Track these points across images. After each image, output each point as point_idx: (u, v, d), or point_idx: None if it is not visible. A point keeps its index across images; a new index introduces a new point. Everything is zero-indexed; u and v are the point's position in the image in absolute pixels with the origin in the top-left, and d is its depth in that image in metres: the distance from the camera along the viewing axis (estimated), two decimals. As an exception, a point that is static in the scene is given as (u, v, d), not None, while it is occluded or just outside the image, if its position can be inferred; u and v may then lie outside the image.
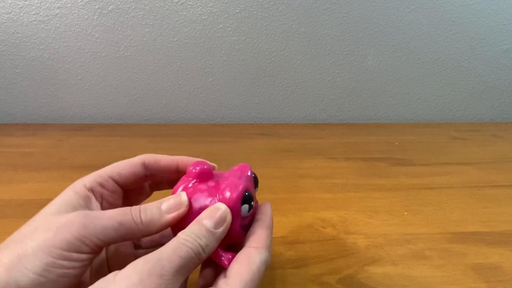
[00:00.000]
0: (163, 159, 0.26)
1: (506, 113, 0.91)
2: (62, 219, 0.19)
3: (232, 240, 0.22)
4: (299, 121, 0.84)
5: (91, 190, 0.23)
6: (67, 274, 0.18)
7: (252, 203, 0.22)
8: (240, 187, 0.21)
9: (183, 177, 0.24)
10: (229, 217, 0.21)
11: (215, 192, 0.22)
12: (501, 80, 0.87)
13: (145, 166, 0.25)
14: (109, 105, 0.77)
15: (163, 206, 0.21)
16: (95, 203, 0.22)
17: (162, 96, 0.78)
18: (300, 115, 0.84)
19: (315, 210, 0.40)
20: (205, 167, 0.24)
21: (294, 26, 0.76)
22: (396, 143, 0.68)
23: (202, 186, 0.23)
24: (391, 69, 0.82)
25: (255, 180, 0.24)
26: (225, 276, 0.20)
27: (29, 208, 0.39)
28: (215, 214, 0.20)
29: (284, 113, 0.83)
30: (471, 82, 0.86)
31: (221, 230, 0.20)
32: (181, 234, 0.19)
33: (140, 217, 0.20)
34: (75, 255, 0.18)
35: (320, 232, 0.36)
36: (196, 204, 0.22)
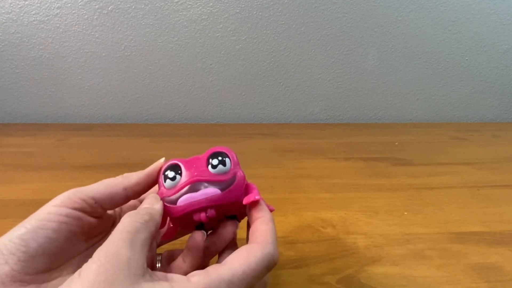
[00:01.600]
0: (140, 178, 0.25)
1: (506, 113, 0.91)
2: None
3: (170, 215, 0.23)
4: (299, 121, 0.84)
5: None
6: (46, 226, 0.20)
7: (167, 173, 0.23)
8: (165, 164, 0.24)
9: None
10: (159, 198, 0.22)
11: None
12: (501, 80, 0.87)
13: (126, 193, 0.24)
14: (109, 105, 0.77)
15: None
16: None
17: (162, 96, 0.78)
18: (300, 115, 0.84)
19: (315, 210, 0.40)
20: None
21: (294, 26, 0.76)
22: (396, 143, 0.68)
23: None
24: (391, 69, 0.82)
25: (208, 160, 0.23)
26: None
27: (29, 208, 0.39)
28: (147, 201, 0.22)
29: (284, 113, 0.83)
30: (471, 82, 0.86)
31: (156, 206, 0.22)
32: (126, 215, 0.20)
33: (122, 176, 0.23)
34: (57, 209, 0.20)
35: (320, 232, 0.36)
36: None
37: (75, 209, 0.21)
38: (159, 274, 0.18)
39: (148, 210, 0.21)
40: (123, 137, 0.66)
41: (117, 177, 0.23)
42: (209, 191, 0.22)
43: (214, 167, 0.23)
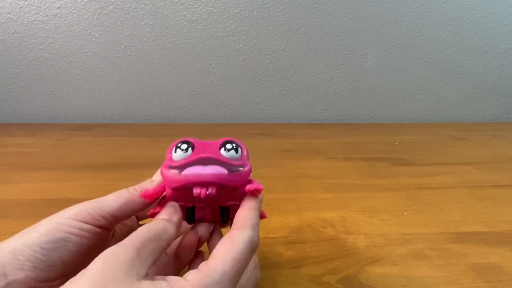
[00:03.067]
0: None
1: (506, 113, 0.91)
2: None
3: (169, 183, 0.23)
4: (299, 121, 0.84)
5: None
6: (66, 238, 0.20)
7: (180, 145, 0.23)
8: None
9: None
10: (179, 211, 0.22)
11: None
12: (501, 80, 0.87)
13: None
14: (109, 105, 0.77)
15: (153, 177, 0.25)
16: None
17: (162, 96, 0.78)
18: (300, 115, 0.84)
19: (315, 210, 0.40)
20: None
21: (294, 26, 0.76)
22: (396, 143, 0.68)
23: None
24: (391, 69, 0.82)
25: (222, 145, 0.24)
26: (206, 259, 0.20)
27: (29, 208, 0.39)
28: (166, 210, 0.22)
29: (284, 113, 0.83)
30: (471, 82, 0.86)
31: (174, 219, 0.22)
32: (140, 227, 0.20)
33: (134, 187, 0.24)
34: (77, 223, 0.20)
35: (320, 232, 0.36)
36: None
37: (96, 226, 0.21)
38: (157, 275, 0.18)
39: (164, 224, 0.21)
40: (123, 137, 0.66)
41: (130, 189, 0.23)
42: (217, 169, 0.22)
43: (227, 150, 0.23)
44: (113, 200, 0.22)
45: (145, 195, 0.23)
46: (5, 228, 0.34)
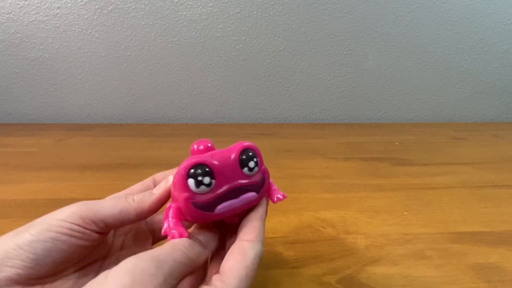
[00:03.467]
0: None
1: (506, 113, 0.91)
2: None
3: (194, 219, 0.21)
4: (299, 121, 0.84)
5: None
6: (56, 237, 0.20)
7: (201, 178, 0.20)
8: (189, 162, 0.21)
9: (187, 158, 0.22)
10: (217, 239, 0.22)
11: None
12: (501, 80, 0.87)
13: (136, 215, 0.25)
14: (109, 105, 0.77)
15: (154, 190, 0.23)
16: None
17: (162, 96, 0.78)
18: (300, 115, 0.84)
19: (315, 210, 0.40)
20: (209, 144, 0.23)
21: (294, 26, 0.76)
22: (396, 143, 0.68)
23: None
24: (391, 69, 0.82)
25: (243, 162, 0.22)
26: (219, 273, 0.20)
27: (29, 208, 0.39)
28: (207, 235, 0.22)
29: (284, 113, 0.83)
30: (471, 82, 0.86)
31: (210, 247, 0.21)
32: (177, 240, 0.20)
33: (133, 198, 0.22)
34: (68, 224, 0.20)
35: (320, 232, 0.36)
36: None
37: (87, 229, 0.21)
38: None
39: (200, 251, 0.20)
40: (123, 137, 0.66)
41: (129, 198, 0.22)
42: (248, 196, 0.21)
43: (251, 170, 0.22)
44: (108, 207, 0.21)
45: (164, 233, 0.21)
46: (5, 228, 0.34)
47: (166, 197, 0.23)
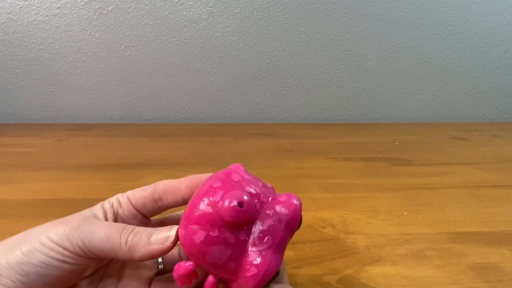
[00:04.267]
0: (168, 182, 0.24)
1: (506, 113, 0.91)
2: (69, 217, 0.21)
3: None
4: (299, 121, 0.84)
5: (112, 205, 0.23)
6: (44, 260, 0.19)
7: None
8: (264, 268, 0.17)
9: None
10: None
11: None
12: (501, 80, 0.87)
13: (154, 189, 0.24)
14: (109, 105, 0.77)
15: (152, 237, 0.20)
16: (112, 218, 0.23)
17: (162, 96, 0.78)
18: (300, 115, 0.84)
19: (315, 210, 0.40)
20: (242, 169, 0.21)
21: (294, 26, 0.76)
22: (396, 143, 0.68)
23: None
24: (391, 69, 0.82)
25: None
26: None
27: (29, 208, 0.39)
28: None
29: (284, 113, 0.83)
30: (471, 82, 0.86)
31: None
32: None
33: (127, 238, 0.20)
34: (58, 248, 0.19)
35: (320, 232, 0.36)
36: None
37: (76, 254, 0.19)
38: None
39: None
40: (123, 137, 0.66)
41: (123, 237, 0.20)
42: None
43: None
44: (100, 239, 0.19)
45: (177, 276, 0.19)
46: (5, 228, 0.34)
47: (163, 253, 0.20)
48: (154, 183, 0.24)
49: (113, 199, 0.23)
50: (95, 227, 0.20)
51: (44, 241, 0.19)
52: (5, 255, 0.19)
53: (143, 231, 0.20)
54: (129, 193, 0.24)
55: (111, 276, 0.23)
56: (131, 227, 0.20)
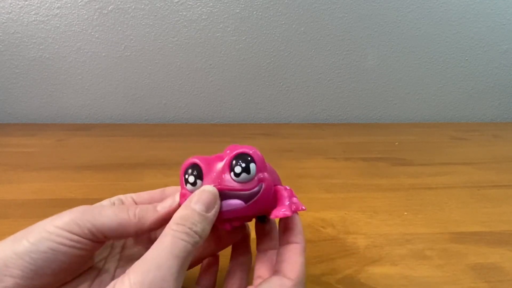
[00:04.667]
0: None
1: (506, 113, 0.91)
2: (74, 209, 0.21)
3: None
4: (299, 121, 0.84)
5: (113, 204, 0.24)
6: (54, 247, 0.19)
7: (187, 176, 0.21)
8: (187, 161, 0.22)
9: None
10: (218, 200, 0.20)
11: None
12: (501, 80, 0.87)
13: (164, 193, 0.25)
14: (109, 105, 0.77)
15: (159, 206, 0.22)
16: None
17: (162, 96, 0.78)
18: (300, 115, 0.84)
19: (315, 210, 0.40)
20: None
21: (294, 26, 0.76)
22: (396, 143, 0.68)
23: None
24: (391, 69, 0.82)
25: (232, 166, 0.21)
26: None
27: (29, 208, 0.39)
28: (203, 196, 0.20)
29: (284, 113, 0.83)
30: (471, 82, 0.86)
31: (213, 212, 0.20)
32: (173, 225, 0.19)
33: (135, 211, 0.21)
34: (66, 233, 0.19)
35: (320, 232, 0.36)
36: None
37: (85, 238, 0.20)
38: None
39: (202, 226, 0.19)
40: (123, 137, 0.66)
41: (131, 211, 0.21)
42: (231, 202, 0.20)
43: (237, 175, 0.20)
44: (108, 218, 0.20)
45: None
46: (5, 228, 0.34)
47: (169, 217, 0.21)
48: (161, 188, 0.25)
49: (114, 199, 0.24)
50: (102, 209, 0.21)
51: (51, 229, 0.19)
52: (11, 246, 0.19)
53: (148, 205, 0.22)
54: (133, 194, 0.24)
55: (111, 266, 0.24)
56: (135, 205, 0.22)
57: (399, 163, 0.57)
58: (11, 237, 0.20)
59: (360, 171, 0.53)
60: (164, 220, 0.21)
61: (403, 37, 0.80)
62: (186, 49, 0.75)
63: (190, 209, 0.19)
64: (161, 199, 0.24)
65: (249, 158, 0.21)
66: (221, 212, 0.20)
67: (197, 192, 0.20)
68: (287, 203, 0.22)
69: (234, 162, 0.21)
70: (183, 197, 0.21)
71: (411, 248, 0.34)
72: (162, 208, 0.22)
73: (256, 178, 0.21)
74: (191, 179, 0.21)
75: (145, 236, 0.26)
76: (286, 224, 0.23)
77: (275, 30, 0.76)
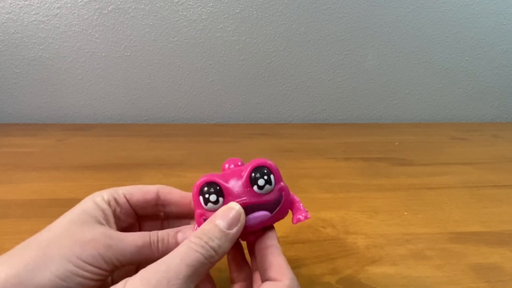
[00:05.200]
0: (177, 193, 0.25)
1: (506, 113, 0.91)
2: (88, 234, 0.20)
3: None
4: (299, 121, 0.84)
5: (108, 203, 0.23)
6: (83, 283, 0.19)
7: (208, 195, 0.21)
8: (200, 180, 0.21)
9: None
10: (242, 217, 0.21)
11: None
12: (501, 80, 0.87)
13: (158, 195, 0.25)
14: (109, 105, 0.77)
15: (179, 237, 0.22)
16: (112, 218, 0.23)
17: (162, 96, 0.78)
18: (300, 115, 0.84)
19: (315, 210, 0.40)
20: (239, 163, 0.24)
21: (294, 26, 0.76)
22: (396, 143, 0.68)
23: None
24: (391, 69, 0.82)
25: (253, 179, 0.21)
26: None
27: (29, 208, 0.39)
28: (228, 213, 0.20)
29: (284, 113, 0.83)
30: (471, 82, 0.86)
31: (235, 230, 0.20)
32: (192, 237, 0.19)
33: (157, 246, 0.22)
34: (95, 269, 0.19)
35: (320, 232, 0.36)
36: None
37: (110, 271, 0.20)
38: None
39: (219, 242, 0.19)
40: (123, 137, 0.66)
41: (153, 246, 0.22)
42: (259, 214, 0.21)
43: (260, 187, 0.21)
44: (133, 254, 0.21)
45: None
46: (5, 228, 0.34)
47: (189, 201, 0.23)
48: (154, 185, 0.25)
49: (107, 196, 0.23)
50: (125, 245, 0.21)
51: (77, 262, 0.19)
52: (30, 275, 0.18)
53: (168, 235, 0.22)
54: (125, 191, 0.24)
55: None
56: (154, 235, 0.22)
57: (399, 163, 0.57)
58: (21, 262, 0.18)
59: (360, 171, 0.53)
60: (183, 199, 0.24)
61: (403, 37, 0.80)
62: (186, 49, 0.75)
63: (212, 225, 0.20)
64: (155, 200, 0.24)
65: (266, 171, 0.21)
66: (249, 225, 0.21)
67: (223, 208, 0.21)
68: (302, 207, 0.23)
69: (253, 175, 0.21)
70: (200, 217, 0.21)
71: (411, 248, 0.34)
72: (183, 239, 0.22)
73: (276, 188, 0.22)
74: (213, 197, 0.21)
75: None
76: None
77: (275, 30, 0.76)
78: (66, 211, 0.22)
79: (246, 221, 0.21)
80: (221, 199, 0.21)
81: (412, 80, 0.84)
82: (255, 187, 0.21)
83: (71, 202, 0.22)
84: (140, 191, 0.24)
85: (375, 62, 0.81)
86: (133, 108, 0.78)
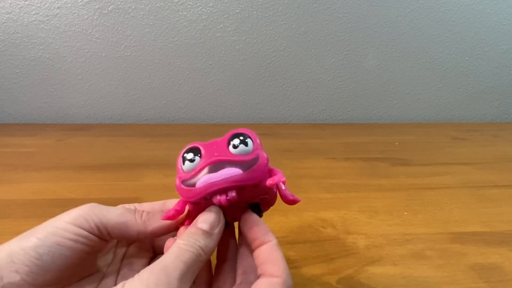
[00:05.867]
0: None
1: (506, 113, 0.91)
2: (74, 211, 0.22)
3: (186, 198, 0.22)
4: (299, 121, 0.84)
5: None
6: (61, 243, 0.20)
7: (185, 155, 0.22)
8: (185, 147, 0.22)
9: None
10: (222, 218, 0.22)
11: None
12: (501, 80, 0.87)
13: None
14: (109, 105, 0.77)
15: (163, 216, 0.23)
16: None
17: (162, 96, 0.78)
18: (300, 115, 0.84)
19: (315, 210, 0.40)
20: None
21: (294, 26, 0.76)
22: (396, 143, 0.68)
23: None
24: (391, 69, 0.82)
25: (229, 141, 0.22)
26: None
27: (29, 208, 0.39)
28: (209, 217, 0.21)
29: (284, 113, 0.83)
30: (471, 82, 0.86)
31: (217, 230, 0.21)
32: (180, 240, 0.20)
33: (141, 213, 0.23)
34: (73, 227, 0.20)
35: (320, 232, 0.36)
36: None
37: (91, 233, 0.21)
38: None
39: (206, 241, 0.20)
40: (123, 137, 0.66)
41: (138, 213, 0.23)
42: (230, 171, 0.21)
43: (235, 147, 0.22)
44: (115, 215, 0.22)
45: (167, 216, 0.22)
46: (5, 228, 0.34)
47: (173, 228, 0.23)
48: (155, 202, 0.26)
49: (119, 207, 0.24)
50: (108, 208, 0.22)
51: (59, 224, 0.20)
52: (19, 242, 0.19)
53: (155, 212, 0.23)
54: (136, 204, 0.25)
55: (111, 274, 0.24)
56: (142, 210, 0.23)
57: (399, 163, 0.57)
58: (20, 235, 0.20)
59: (360, 171, 0.53)
60: (166, 229, 0.23)
61: (403, 37, 0.80)
62: (186, 49, 0.75)
63: (195, 228, 0.21)
64: (160, 211, 0.25)
65: (246, 135, 0.23)
66: (219, 182, 0.21)
67: (203, 213, 0.21)
68: (281, 175, 0.23)
69: (232, 138, 0.22)
70: (178, 181, 0.22)
71: (411, 248, 0.34)
72: (167, 213, 0.23)
73: (253, 152, 0.22)
74: (190, 155, 0.22)
75: (148, 245, 0.26)
76: (250, 225, 0.22)
77: (275, 30, 0.76)
78: (66, 211, 0.22)
79: (216, 177, 0.20)
80: (197, 157, 0.22)
81: (412, 80, 0.84)
82: (230, 147, 0.22)
83: (71, 202, 0.22)
84: (149, 204, 0.25)
85: (375, 62, 0.81)
86: (133, 108, 0.78)
